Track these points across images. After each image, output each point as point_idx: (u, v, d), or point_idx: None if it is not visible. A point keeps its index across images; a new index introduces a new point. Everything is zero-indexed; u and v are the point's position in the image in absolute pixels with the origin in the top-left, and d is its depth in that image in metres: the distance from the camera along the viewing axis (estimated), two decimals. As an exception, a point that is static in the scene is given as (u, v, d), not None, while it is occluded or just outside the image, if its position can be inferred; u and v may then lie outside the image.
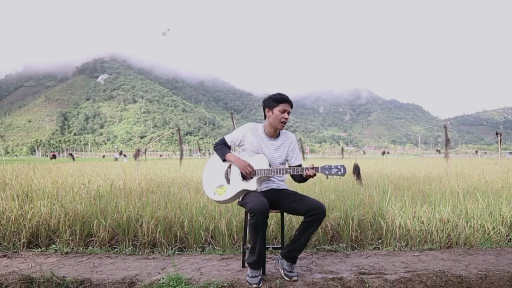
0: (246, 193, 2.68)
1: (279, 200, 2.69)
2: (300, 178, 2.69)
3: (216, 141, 2.92)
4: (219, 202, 2.79)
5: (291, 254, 2.62)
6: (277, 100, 2.70)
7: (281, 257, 2.70)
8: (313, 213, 2.48)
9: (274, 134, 2.79)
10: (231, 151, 2.90)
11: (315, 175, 2.55)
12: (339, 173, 2.47)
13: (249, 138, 2.76)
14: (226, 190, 2.72)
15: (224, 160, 2.79)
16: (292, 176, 2.74)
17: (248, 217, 2.52)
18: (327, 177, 2.51)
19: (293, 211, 2.65)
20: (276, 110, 2.69)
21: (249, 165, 2.64)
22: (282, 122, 2.70)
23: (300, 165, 2.79)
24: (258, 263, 2.55)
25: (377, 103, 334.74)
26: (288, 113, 2.72)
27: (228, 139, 2.84)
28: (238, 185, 2.68)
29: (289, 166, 2.82)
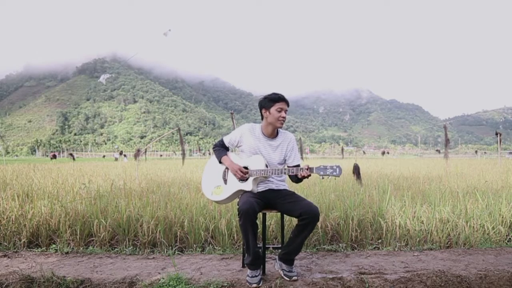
0: (243, 193, 2.69)
1: (276, 200, 2.69)
2: (295, 178, 2.69)
3: (215, 142, 2.95)
4: (216, 202, 2.83)
5: (287, 256, 2.64)
6: (273, 99, 2.71)
7: (278, 259, 2.71)
8: (306, 216, 2.47)
9: (272, 134, 2.80)
10: (230, 151, 2.92)
11: (309, 175, 2.55)
12: (334, 173, 2.44)
13: (246, 139, 2.78)
14: (222, 190, 2.76)
15: (220, 162, 2.83)
16: (289, 176, 2.75)
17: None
18: (322, 178, 2.48)
19: (288, 213, 2.65)
20: (273, 109, 2.70)
21: (240, 169, 2.66)
22: (280, 121, 2.71)
23: (298, 165, 2.79)
24: (255, 263, 2.56)
25: (377, 103, 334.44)
26: (285, 111, 2.73)
27: (226, 140, 2.87)
28: (234, 185, 2.71)
29: (287, 166, 2.83)
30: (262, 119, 2.83)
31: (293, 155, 2.82)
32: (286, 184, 2.90)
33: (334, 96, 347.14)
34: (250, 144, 2.76)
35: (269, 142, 2.78)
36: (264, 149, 2.76)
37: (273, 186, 2.78)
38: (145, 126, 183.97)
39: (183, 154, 14.42)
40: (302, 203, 2.55)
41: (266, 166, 2.69)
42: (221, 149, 2.87)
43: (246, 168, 2.72)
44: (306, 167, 2.51)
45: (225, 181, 2.78)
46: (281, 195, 2.71)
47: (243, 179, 2.67)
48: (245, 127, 2.83)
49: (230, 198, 2.76)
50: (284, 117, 2.72)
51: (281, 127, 2.79)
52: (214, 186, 2.81)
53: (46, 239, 3.69)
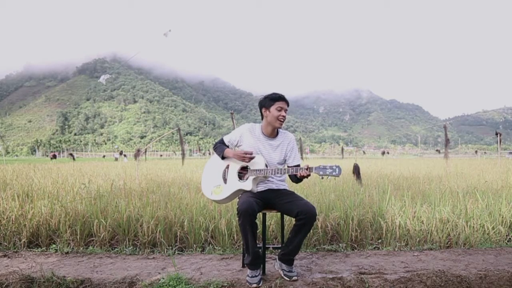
0: (242, 193, 2.70)
1: (275, 200, 2.70)
2: (295, 178, 2.70)
3: (215, 142, 2.96)
4: (216, 201, 2.83)
5: (286, 257, 2.64)
6: (274, 98, 2.73)
7: (278, 259, 2.72)
8: (302, 216, 2.48)
9: (272, 133, 2.80)
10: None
11: (309, 175, 2.55)
12: (334, 173, 2.45)
13: (246, 138, 2.79)
14: (222, 189, 2.76)
15: (223, 158, 2.81)
16: (289, 176, 2.75)
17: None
18: (322, 178, 2.49)
19: (286, 212, 2.65)
20: (273, 108, 2.71)
21: (246, 152, 2.66)
22: (280, 120, 2.73)
23: (298, 165, 2.79)
24: (255, 263, 2.56)
25: (377, 103, 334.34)
26: (285, 110, 2.75)
27: (226, 139, 2.88)
28: (234, 185, 2.72)
29: (288, 166, 2.83)
30: (262, 118, 2.83)
31: (293, 155, 2.83)
32: (286, 184, 2.90)
33: (334, 96, 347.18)
34: (250, 144, 2.77)
35: (269, 142, 2.79)
36: (264, 149, 2.77)
37: (273, 186, 2.78)
38: (145, 126, 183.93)
39: (183, 154, 14.46)
40: (299, 203, 2.55)
41: (266, 166, 2.70)
42: (221, 145, 2.86)
43: (246, 168, 2.72)
44: (306, 167, 2.52)
45: (225, 180, 2.78)
46: (280, 195, 2.71)
47: (251, 159, 2.66)
48: (245, 126, 2.84)
49: (229, 198, 2.76)
50: (284, 116, 2.73)
51: (280, 127, 2.79)
52: (214, 185, 2.81)
53: (46, 239, 3.69)
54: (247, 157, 2.65)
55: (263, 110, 2.78)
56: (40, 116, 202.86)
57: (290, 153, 2.83)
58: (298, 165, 2.79)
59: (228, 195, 2.73)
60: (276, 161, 2.78)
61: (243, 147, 2.80)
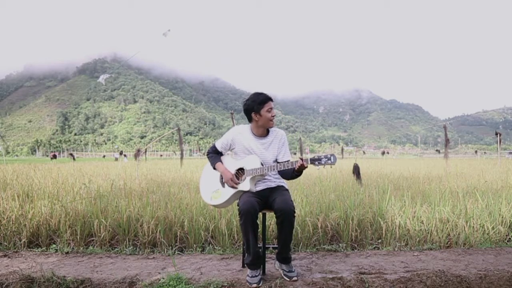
0: (242, 193, 2.70)
1: (269, 199, 2.70)
2: (290, 174, 2.68)
3: (208, 148, 2.95)
4: (216, 206, 2.83)
5: (280, 256, 2.66)
6: (262, 101, 2.71)
7: (276, 259, 2.73)
8: (279, 214, 2.49)
9: (263, 133, 2.81)
10: (225, 155, 2.93)
11: (306, 167, 2.55)
12: (330, 161, 2.45)
13: (238, 141, 2.79)
14: (221, 194, 2.76)
15: (215, 169, 2.84)
16: (280, 172, 2.75)
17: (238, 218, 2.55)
18: (318, 168, 2.48)
19: (273, 209, 2.66)
20: (264, 111, 2.70)
21: (232, 179, 2.68)
22: (272, 121, 2.74)
23: (288, 161, 2.76)
24: (255, 263, 2.57)
25: (377, 103, 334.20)
26: (273, 108, 2.76)
27: (218, 145, 2.88)
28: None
29: (278, 162, 2.82)
30: (250, 121, 2.82)
31: (283, 151, 2.83)
32: (284, 181, 2.89)
33: (334, 96, 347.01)
34: (242, 146, 2.77)
35: (260, 141, 2.79)
36: (256, 149, 2.76)
37: (272, 185, 2.78)
38: (145, 126, 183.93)
39: (181, 155, 14.46)
40: (279, 199, 2.56)
41: (262, 164, 2.70)
42: (214, 156, 2.87)
43: (242, 169, 2.73)
44: (300, 159, 2.52)
45: (223, 184, 2.78)
46: (273, 192, 2.72)
47: (233, 187, 2.69)
48: (235, 129, 2.84)
49: (229, 201, 2.76)
50: (274, 115, 2.74)
51: (272, 127, 2.80)
52: (213, 190, 2.82)
53: (46, 239, 3.69)
54: (231, 183, 2.68)
55: (252, 114, 2.74)
56: (40, 116, 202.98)
57: (280, 149, 2.83)
58: (288, 161, 2.75)
59: (227, 198, 2.73)
60: (271, 158, 2.78)
61: (236, 149, 2.80)
